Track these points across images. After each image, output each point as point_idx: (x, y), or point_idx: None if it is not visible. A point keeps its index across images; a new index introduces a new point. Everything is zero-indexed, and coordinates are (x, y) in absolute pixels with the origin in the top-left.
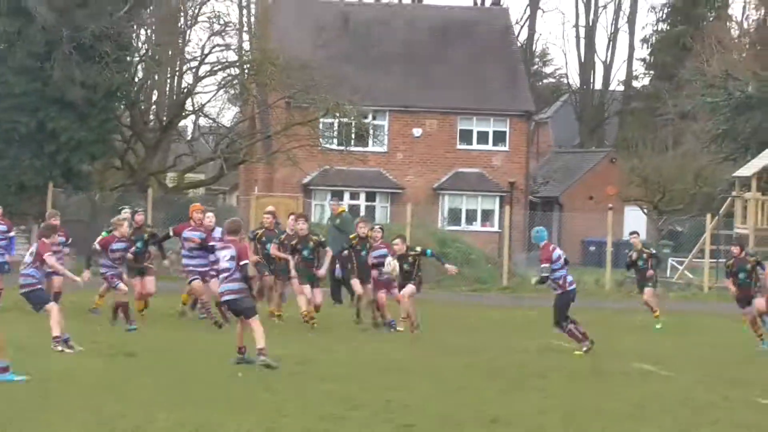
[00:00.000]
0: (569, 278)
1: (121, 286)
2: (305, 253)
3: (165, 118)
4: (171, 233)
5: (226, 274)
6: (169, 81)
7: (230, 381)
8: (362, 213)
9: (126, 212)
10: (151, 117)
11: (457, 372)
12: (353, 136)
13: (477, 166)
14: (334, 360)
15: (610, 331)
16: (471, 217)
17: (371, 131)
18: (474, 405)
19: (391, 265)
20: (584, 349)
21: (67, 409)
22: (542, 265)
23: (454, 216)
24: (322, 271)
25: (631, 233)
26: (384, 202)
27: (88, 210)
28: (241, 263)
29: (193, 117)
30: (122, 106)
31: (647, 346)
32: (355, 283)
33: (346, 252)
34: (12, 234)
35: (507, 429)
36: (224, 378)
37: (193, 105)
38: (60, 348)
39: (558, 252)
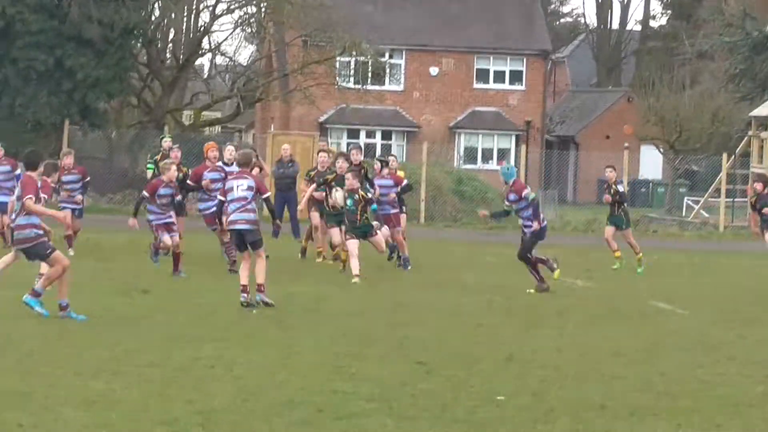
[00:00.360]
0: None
1: (165, 238)
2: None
3: (182, 57)
4: (189, 180)
5: (242, 203)
6: (185, 19)
7: (245, 318)
8: (378, 152)
9: (167, 141)
10: (168, 55)
11: (474, 310)
12: (370, 74)
13: (493, 105)
14: (349, 297)
15: (626, 270)
16: (487, 155)
17: (388, 70)
18: (490, 343)
19: (336, 197)
20: (536, 289)
21: (84, 346)
22: (507, 201)
23: (470, 155)
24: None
25: (607, 167)
26: (400, 140)
27: (105, 148)
28: (264, 196)
29: (209, 55)
30: (139, 44)
31: (663, 286)
32: (314, 216)
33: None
34: (18, 172)
35: (523, 367)
36: (239, 315)
37: (209, 43)
38: None
39: (527, 191)
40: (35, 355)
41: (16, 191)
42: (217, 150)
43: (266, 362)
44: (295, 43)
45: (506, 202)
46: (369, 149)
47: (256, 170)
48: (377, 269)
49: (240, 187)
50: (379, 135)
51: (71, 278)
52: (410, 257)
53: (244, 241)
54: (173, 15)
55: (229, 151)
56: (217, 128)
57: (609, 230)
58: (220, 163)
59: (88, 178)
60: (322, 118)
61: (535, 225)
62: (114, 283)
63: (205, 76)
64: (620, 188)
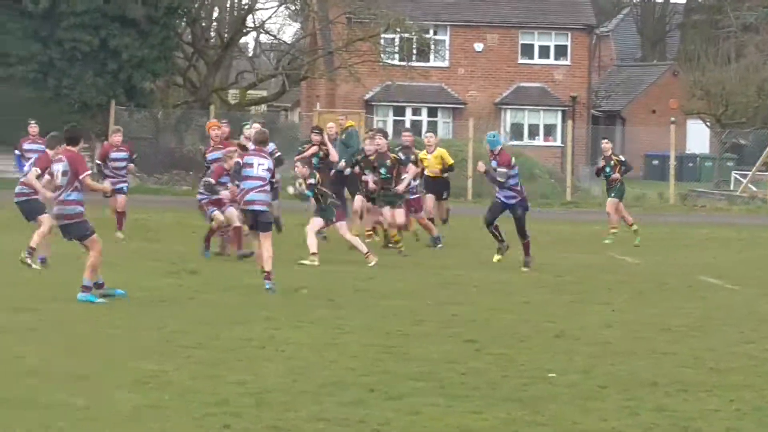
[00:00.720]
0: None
1: (216, 213)
2: (382, 171)
3: (226, 35)
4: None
5: (260, 183)
6: None
7: (294, 298)
8: (425, 129)
9: (249, 128)
10: (212, 34)
11: (522, 287)
12: (415, 51)
13: (539, 80)
14: (398, 277)
15: (675, 245)
16: (533, 131)
17: (432, 46)
18: (538, 320)
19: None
20: (499, 257)
21: (134, 327)
22: (500, 170)
23: (516, 131)
24: (401, 187)
25: (603, 139)
26: (446, 117)
27: (151, 128)
28: (274, 180)
29: (254, 34)
30: (183, 23)
31: (711, 260)
32: (358, 200)
33: (351, 170)
34: (135, 156)
35: (572, 343)
36: (288, 296)
37: (254, 21)
38: (29, 261)
39: (514, 161)
40: (87, 338)
41: (26, 167)
42: (219, 129)
43: (316, 342)
44: (340, 20)
45: (500, 171)
46: (415, 126)
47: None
48: (425, 248)
49: (261, 166)
50: (425, 112)
51: (115, 259)
52: (458, 235)
53: (258, 221)
54: None
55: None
56: (263, 107)
57: (611, 203)
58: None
59: (136, 155)
60: (367, 96)
61: (519, 195)
62: (162, 263)
63: (250, 55)
64: (622, 158)
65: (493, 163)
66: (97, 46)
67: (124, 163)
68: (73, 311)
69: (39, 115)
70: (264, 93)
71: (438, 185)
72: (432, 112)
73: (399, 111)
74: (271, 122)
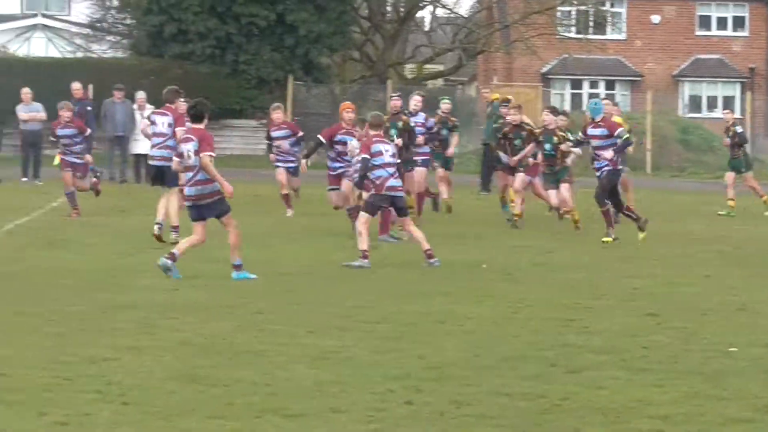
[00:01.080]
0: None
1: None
2: (547, 147)
3: (402, 9)
4: (321, 140)
5: (394, 169)
6: None
7: (473, 272)
8: None
9: (446, 103)
10: (389, 8)
11: (703, 260)
12: (591, 23)
13: (717, 52)
14: (576, 250)
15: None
16: (711, 104)
17: (609, 18)
18: (720, 293)
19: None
20: (610, 237)
21: (313, 302)
22: (620, 130)
23: (694, 103)
24: (515, 160)
25: (724, 110)
26: (624, 90)
27: (329, 103)
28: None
29: (430, 7)
30: None
31: None
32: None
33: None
34: (301, 134)
35: (755, 317)
36: (467, 270)
37: None
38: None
39: (622, 129)
40: (266, 314)
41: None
42: (354, 113)
43: (496, 316)
44: None
45: (581, 136)
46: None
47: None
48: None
49: (388, 152)
50: (602, 85)
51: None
52: (639, 208)
53: (398, 207)
54: None
55: (416, 101)
56: (440, 81)
57: (730, 175)
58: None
59: (301, 133)
60: (544, 69)
61: (611, 164)
62: (338, 238)
63: (427, 29)
64: (738, 129)
65: (599, 131)
66: (274, 21)
67: (285, 142)
68: (252, 288)
69: (217, 90)
70: (440, 67)
71: None
72: (609, 85)
73: (576, 84)
74: (447, 96)
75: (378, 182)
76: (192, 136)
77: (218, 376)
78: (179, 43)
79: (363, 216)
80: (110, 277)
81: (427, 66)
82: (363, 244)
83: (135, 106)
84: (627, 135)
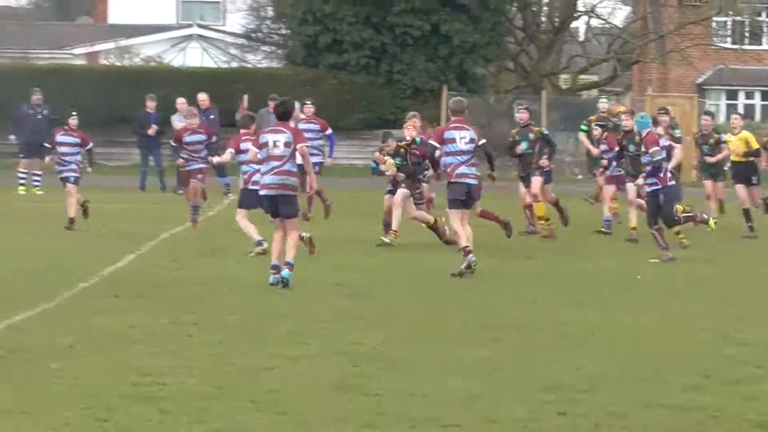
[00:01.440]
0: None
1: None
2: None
3: (557, 20)
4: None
5: (467, 157)
6: None
7: (624, 283)
8: (758, 114)
9: (603, 102)
10: (543, 19)
11: None
12: (747, 34)
13: None
14: (729, 262)
15: None
16: None
17: (765, 29)
18: None
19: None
20: (663, 258)
21: (463, 310)
22: (653, 149)
23: None
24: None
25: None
26: None
27: (483, 113)
28: (481, 143)
29: (585, 18)
30: (514, 8)
31: None
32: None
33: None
34: (329, 132)
35: None
36: (617, 280)
37: (584, 5)
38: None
39: (664, 142)
40: (423, 324)
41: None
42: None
43: (651, 327)
44: (671, 3)
45: (653, 150)
46: (749, 111)
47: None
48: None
49: (463, 139)
50: (758, 96)
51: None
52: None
53: (471, 198)
54: None
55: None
56: (594, 91)
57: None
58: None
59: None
60: (699, 80)
61: (660, 182)
62: (493, 248)
63: (581, 39)
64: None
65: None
66: (429, 32)
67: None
68: (403, 298)
69: (371, 100)
70: (595, 78)
71: (744, 170)
72: (765, 96)
73: (731, 95)
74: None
75: (448, 169)
76: (283, 129)
77: (371, 386)
78: (334, 53)
79: (453, 213)
80: (266, 286)
81: (582, 76)
82: (462, 240)
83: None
84: (659, 157)
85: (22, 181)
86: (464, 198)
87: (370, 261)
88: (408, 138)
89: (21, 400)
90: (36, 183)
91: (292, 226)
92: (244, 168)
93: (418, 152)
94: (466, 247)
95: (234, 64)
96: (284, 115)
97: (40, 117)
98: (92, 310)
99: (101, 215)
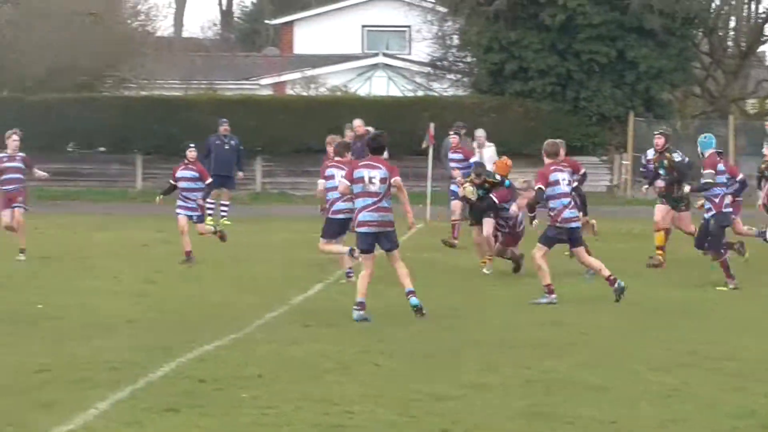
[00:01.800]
0: (726, 200)
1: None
2: None
3: (743, 44)
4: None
5: (569, 200)
6: (746, 6)
7: None
8: None
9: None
10: (730, 43)
11: None
12: None
13: None
14: None
15: None
16: None
17: None
18: None
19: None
20: (731, 286)
21: (654, 337)
22: (706, 171)
23: None
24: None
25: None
26: None
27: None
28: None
29: None
30: (700, 33)
31: None
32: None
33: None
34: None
35: None
36: None
37: None
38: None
39: (722, 166)
40: (613, 350)
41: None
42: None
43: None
44: None
45: (706, 172)
46: None
47: None
48: None
49: (564, 181)
50: None
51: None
52: None
53: (573, 239)
54: (733, 2)
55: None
56: None
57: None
58: None
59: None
60: None
61: (714, 208)
62: (674, 277)
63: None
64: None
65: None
66: (615, 58)
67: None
68: (598, 322)
69: (557, 127)
70: None
71: None
72: None
73: None
74: None
75: (553, 213)
76: (378, 164)
77: (562, 413)
78: (520, 81)
79: (540, 249)
80: (455, 313)
81: None
82: (545, 278)
83: (474, 144)
84: (709, 180)
85: (209, 212)
86: (561, 239)
87: (559, 290)
88: (498, 177)
89: (214, 430)
90: (224, 213)
91: (396, 257)
92: (328, 195)
93: (495, 196)
94: (550, 285)
95: (420, 93)
96: (378, 149)
97: (227, 147)
98: (281, 339)
99: (290, 244)
